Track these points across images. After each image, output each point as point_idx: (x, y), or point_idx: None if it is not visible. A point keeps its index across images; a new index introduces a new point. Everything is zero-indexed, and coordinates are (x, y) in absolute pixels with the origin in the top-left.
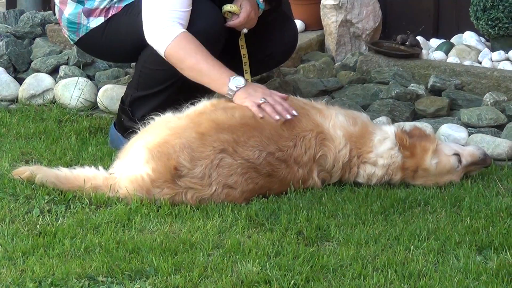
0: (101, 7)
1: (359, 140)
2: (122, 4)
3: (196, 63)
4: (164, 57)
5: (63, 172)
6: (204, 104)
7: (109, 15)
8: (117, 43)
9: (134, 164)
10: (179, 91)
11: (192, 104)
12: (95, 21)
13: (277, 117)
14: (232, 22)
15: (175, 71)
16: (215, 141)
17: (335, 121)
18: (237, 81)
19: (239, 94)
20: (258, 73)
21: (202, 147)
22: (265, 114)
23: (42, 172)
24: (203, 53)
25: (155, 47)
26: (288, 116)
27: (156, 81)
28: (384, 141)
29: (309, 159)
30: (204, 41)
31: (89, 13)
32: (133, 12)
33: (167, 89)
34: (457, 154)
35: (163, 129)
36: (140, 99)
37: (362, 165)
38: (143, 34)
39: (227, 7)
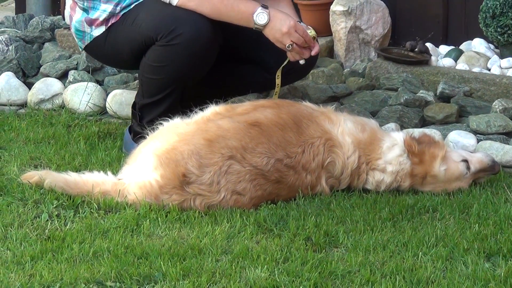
0: (101, 19)
1: (367, 147)
2: (121, 13)
3: (219, 4)
4: (179, 5)
5: (72, 177)
6: (211, 111)
7: (109, 24)
8: (117, 52)
9: (143, 170)
10: (183, 97)
11: (201, 109)
12: (98, 30)
13: (302, 62)
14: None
15: (172, 80)
16: (223, 148)
17: (344, 127)
18: (260, 19)
19: (268, 32)
20: (283, 83)
21: (211, 154)
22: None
23: (51, 177)
24: None
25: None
26: (307, 55)
27: (156, 90)
28: (393, 147)
29: (317, 165)
30: (193, 51)
31: (90, 22)
32: (129, 21)
33: (169, 96)
34: (465, 161)
35: (171, 135)
36: (147, 106)
37: (371, 171)
38: (139, 43)
39: (313, 33)
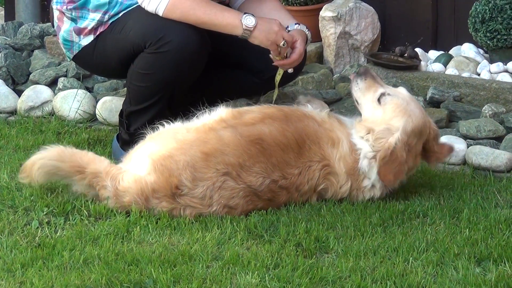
0: (89, 28)
1: (355, 173)
2: (110, 21)
3: (202, 15)
4: (164, 16)
5: (70, 149)
6: (214, 118)
7: (98, 33)
8: (106, 60)
9: (139, 169)
10: (171, 105)
11: (209, 110)
12: (86, 39)
13: (291, 71)
14: (282, 62)
15: (160, 87)
16: (219, 163)
17: (341, 152)
18: (248, 21)
19: (257, 35)
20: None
21: (206, 168)
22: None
23: (42, 156)
24: (202, 2)
25: (150, 9)
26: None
27: (143, 97)
28: (369, 162)
29: (310, 189)
30: (181, 58)
31: (79, 32)
32: (117, 29)
33: (156, 103)
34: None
35: (170, 140)
36: (134, 113)
37: (362, 193)
38: (127, 51)
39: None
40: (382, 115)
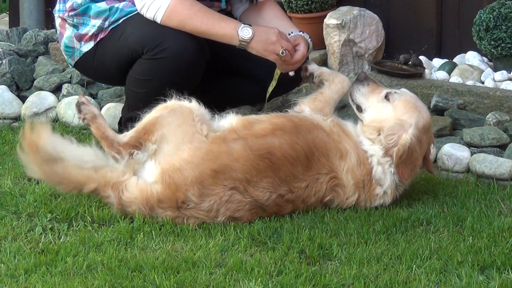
0: (90, 33)
1: (366, 184)
2: (110, 28)
3: (199, 25)
4: (162, 23)
5: (62, 167)
6: (228, 124)
7: (98, 39)
8: (105, 66)
9: (145, 174)
10: None
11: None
12: (87, 46)
13: (292, 74)
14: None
15: (157, 93)
16: (227, 179)
17: (349, 164)
18: (245, 32)
19: (254, 45)
20: (275, 95)
21: (214, 185)
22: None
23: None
24: (200, 12)
25: (149, 16)
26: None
27: (141, 103)
28: (383, 168)
29: (316, 200)
30: (178, 65)
31: (80, 38)
32: (116, 36)
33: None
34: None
35: (184, 144)
36: (131, 119)
37: (372, 201)
38: (125, 57)
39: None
40: (392, 111)
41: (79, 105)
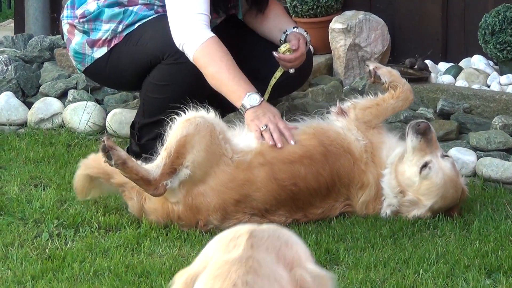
0: (104, 38)
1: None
2: (124, 33)
3: (218, 71)
4: (192, 61)
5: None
6: (254, 150)
7: (112, 45)
8: (120, 73)
9: (170, 192)
10: None
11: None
12: (99, 52)
13: (271, 143)
14: (284, 57)
15: (176, 98)
16: (247, 208)
17: (366, 197)
18: (252, 99)
19: (249, 113)
20: (275, 97)
21: (235, 212)
22: (263, 141)
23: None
24: (228, 61)
25: (184, 51)
26: (280, 145)
27: (158, 109)
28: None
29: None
30: (198, 70)
31: (92, 44)
32: (132, 41)
33: (170, 116)
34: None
35: (212, 168)
36: (147, 126)
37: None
38: (144, 62)
39: (285, 48)
40: (417, 186)
41: (107, 151)
